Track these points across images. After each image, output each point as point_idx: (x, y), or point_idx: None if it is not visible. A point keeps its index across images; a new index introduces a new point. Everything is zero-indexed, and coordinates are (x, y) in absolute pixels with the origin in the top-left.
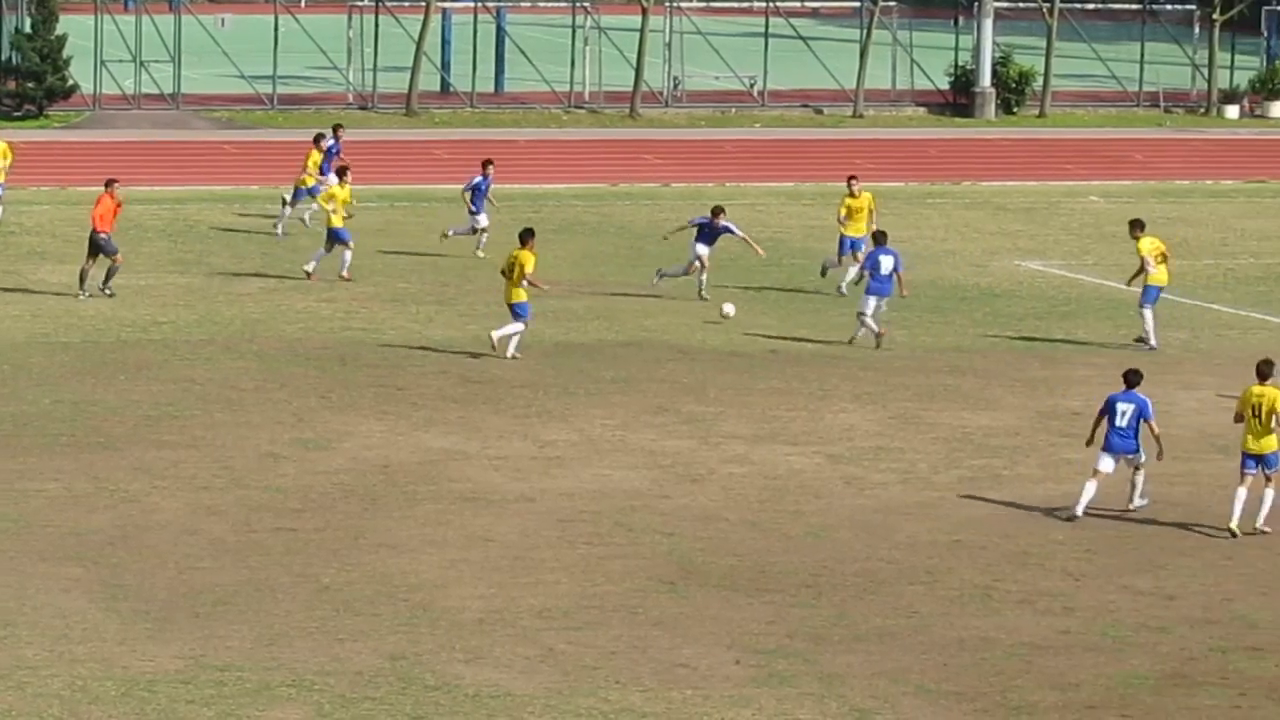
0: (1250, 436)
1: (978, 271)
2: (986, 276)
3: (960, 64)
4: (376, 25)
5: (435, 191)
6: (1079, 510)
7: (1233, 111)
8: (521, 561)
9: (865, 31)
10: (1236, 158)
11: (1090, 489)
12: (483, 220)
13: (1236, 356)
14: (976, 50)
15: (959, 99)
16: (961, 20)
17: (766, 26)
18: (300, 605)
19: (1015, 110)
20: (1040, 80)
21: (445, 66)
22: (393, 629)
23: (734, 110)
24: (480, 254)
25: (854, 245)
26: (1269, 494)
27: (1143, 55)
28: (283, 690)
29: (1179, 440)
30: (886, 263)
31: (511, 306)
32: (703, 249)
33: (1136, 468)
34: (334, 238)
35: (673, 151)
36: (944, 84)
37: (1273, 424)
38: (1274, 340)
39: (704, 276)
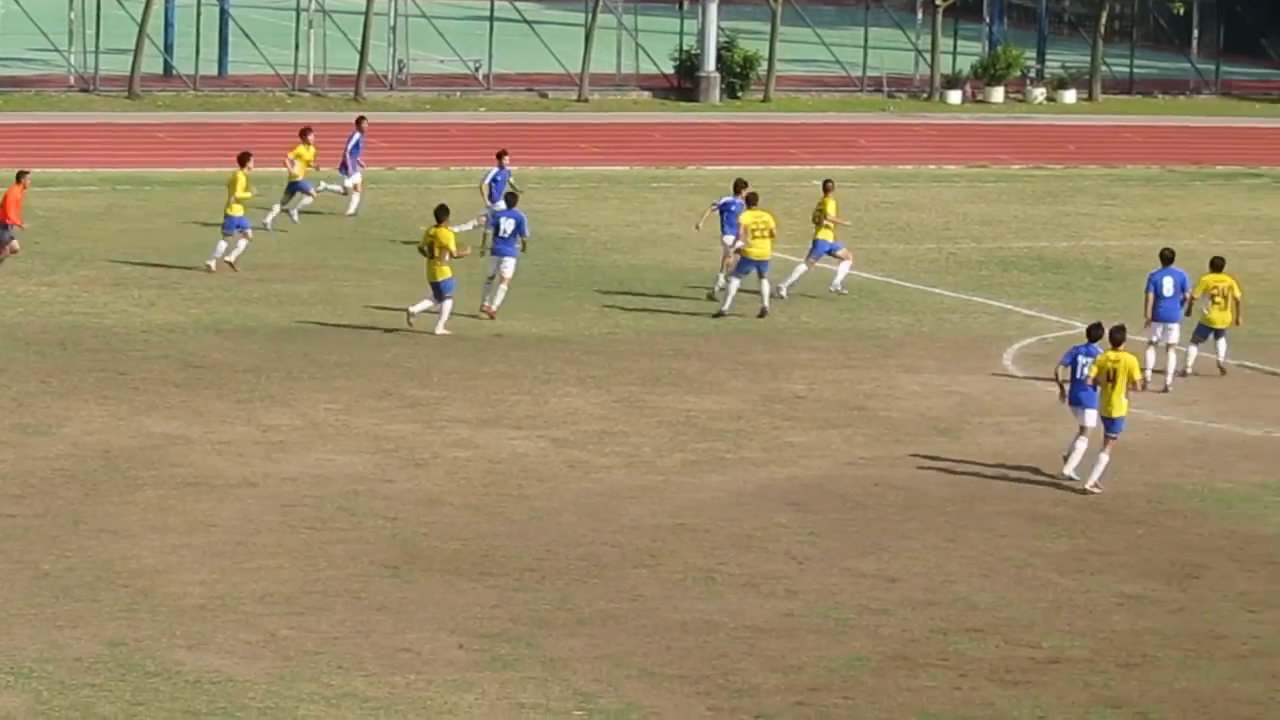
0: (1102, 399)
1: (702, 256)
2: (711, 261)
3: (685, 48)
4: (99, 7)
5: (157, 175)
6: (1070, 470)
7: (955, 97)
8: (244, 547)
9: (590, 16)
10: (959, 143)
11: (1080, 446)
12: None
13: (958, 340)
14: (701, 35)
15: (684, 83)
16: (686, 5)
17: (492, 10)
18: (19, 592)
19: (740, 95)
20: (765, 65)
21: (168, 49)
22: (113, 615)
23: (459, 94)
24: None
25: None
26: (1103, 457)
27: (866, 41)
28: (0, 678)
29: (901, 423)
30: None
31: (435, 284)
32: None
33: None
34: (231, 224)
35: (398, 135)
36: (669, 68)
37: (1124, 388)
38: (995, 324)
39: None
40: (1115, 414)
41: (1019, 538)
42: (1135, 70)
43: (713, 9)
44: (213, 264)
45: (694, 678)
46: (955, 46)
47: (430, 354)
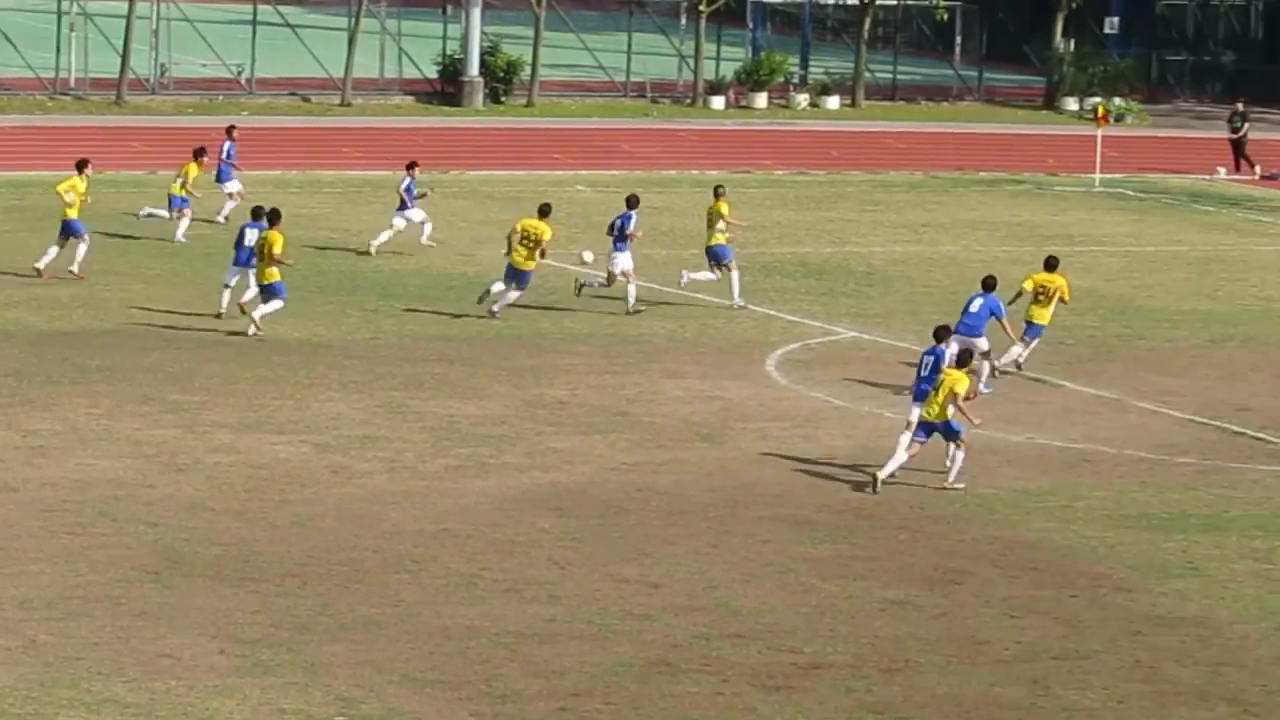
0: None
1: (465, 261)
2: (474, 265)
3: (449, 53)
4: None
5: None
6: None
7: (718, 102)
8: (3, 552)
9: (353, 20)
10: (722, 148)
11: (905, 439)
12: (415, 215)
13: (721, 346)
14: (465, 39)
15: (447, 88)
16: (450, 9)
17: (254, 14)
18: None
19: (503, 100)
20: (528, 70)
21: None
22: None
23: (221, 98)
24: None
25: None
26: (959, 454)
27: (630, 46)
28: None
29: (664, 429)
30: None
31: (264, 287)
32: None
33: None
34: (67, 230)
35: (159, 139)
36: (432, 73)
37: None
38: (758, 330)
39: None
40: (935, 419)
41: (782, 543)
42: (898, 76)
43: (476, 14)
44: (42, 265)
45: (456, 683)
46: (719, 52)
47: (191, 359)
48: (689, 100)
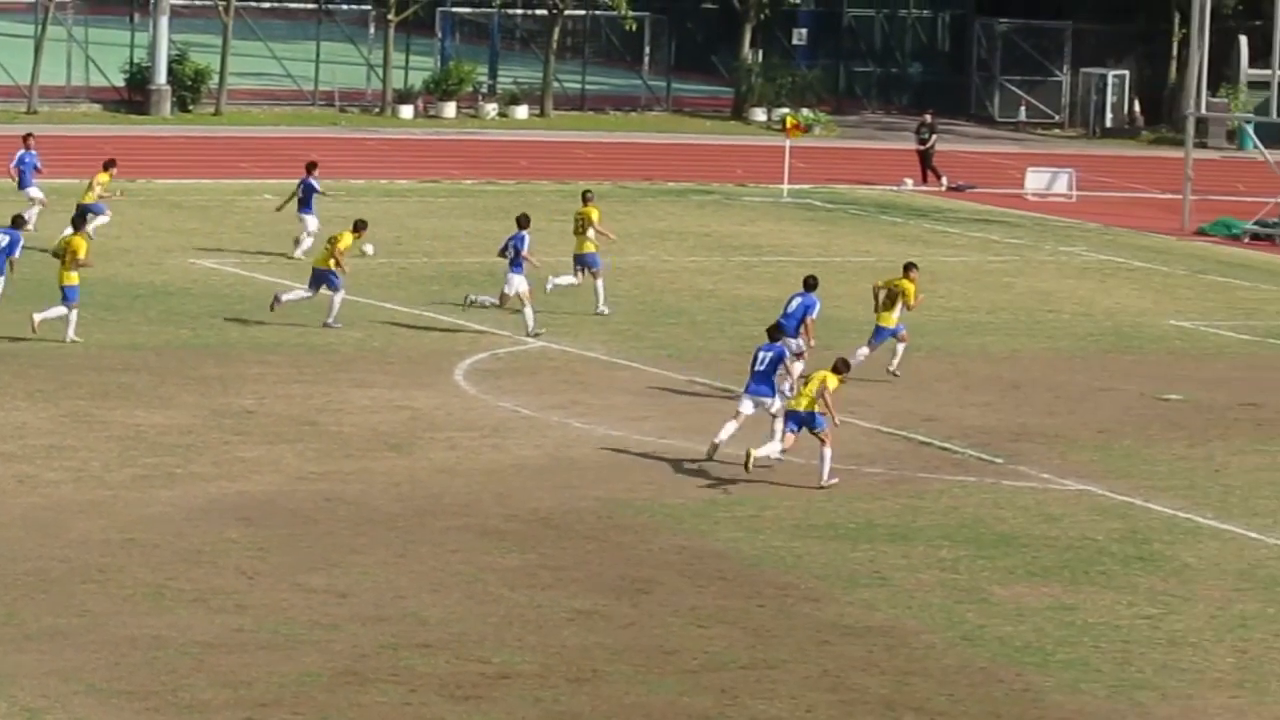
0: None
1: (153, 269)
2: (162, 274)
3: (136, 61)
4: None
5: None
6: (721, 439)
7: (407, 111)
8: None
9: (40, 27)
10: (411, 157)
11: (730, 426)
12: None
13: (410, 355)
14: (152, 47)
15: (135, 96)
16: (137, 17)
17: None
18: None
19: (191, 108)
20: (216, 78)
21: None
22: None
23: None
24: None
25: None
26: (825, 452)
27: (318, 55)
28: None
29: (352, 438)
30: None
31: (63, 289)
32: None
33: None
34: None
35: None
36: (120, 81)
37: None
38: (447, 340)
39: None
40: (804, 409)
41: (469, 553)
42: (587, 86)
43: (164, 21)
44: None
45: (142, 694)
46: (407, 61)
47: None
48: (378, 109)
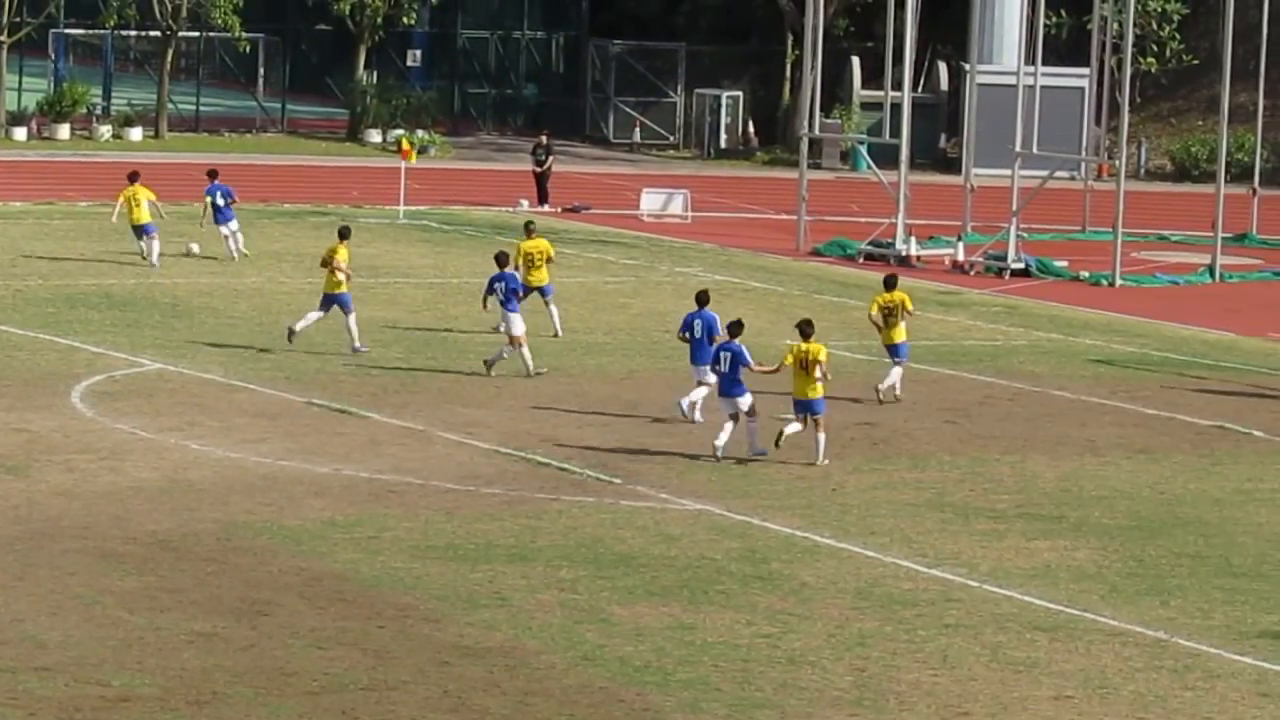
0: (799, 385)
1: None
2: None
3: None
4: None
5: None
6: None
7: (21, 133)
8: None
9: None
10: (25, 179)
11: (727, 428)
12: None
13: (26, 377)
14: None
15: None
16: None
17: None
18: None
19: None
20: None
21: None
22: None
23: None
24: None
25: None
26: (821, 437)
27: None
28: None
29: None
30: None
31: None
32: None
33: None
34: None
35: None
36: None
37: (817, 374)
38: (63, 361)
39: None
40: (813, 396)
41: (88, 575)
42: (202, 108)
43: None
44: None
45: None
46: (20, 82)
47: None
48: None
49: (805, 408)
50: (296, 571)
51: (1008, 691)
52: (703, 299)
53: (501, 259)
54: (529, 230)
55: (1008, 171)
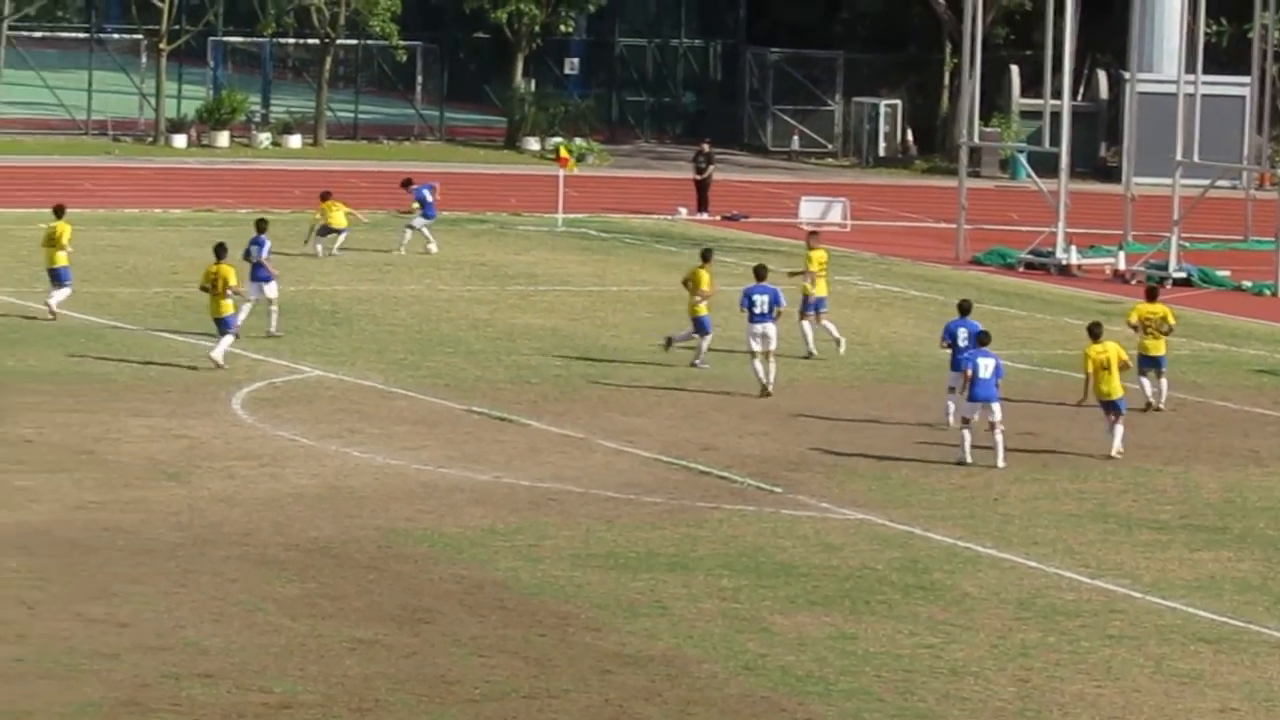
0: (1106, 386)
1: None
2: None
3: None
4: None
5: None
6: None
7: (180, 141)
8: None
9: None
10: (184, 186)
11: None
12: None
13: (187, 384)
14: None
15: None
16: None
17: None
18: None
19: None
20: None
21: None
22: None
23: None
24: None
25: None
26: (1119, 429)
27: (91, 84)
28: None
29: (130, 468)
30: None
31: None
32: None
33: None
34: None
35: None
36: None
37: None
38: (223, 369)
39: None
40: (1117, 395)
41: (249, 582)
42: (360, 115)
43: None
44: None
45: None
46: (180, 90)
47: None
48: (151, 138)
49: (1112, 407)
50: (457, 579)
51: (1172, 704)
52: (965, 307)
53: (760, 271)
54: (812, 239)
55: (1168, 180)
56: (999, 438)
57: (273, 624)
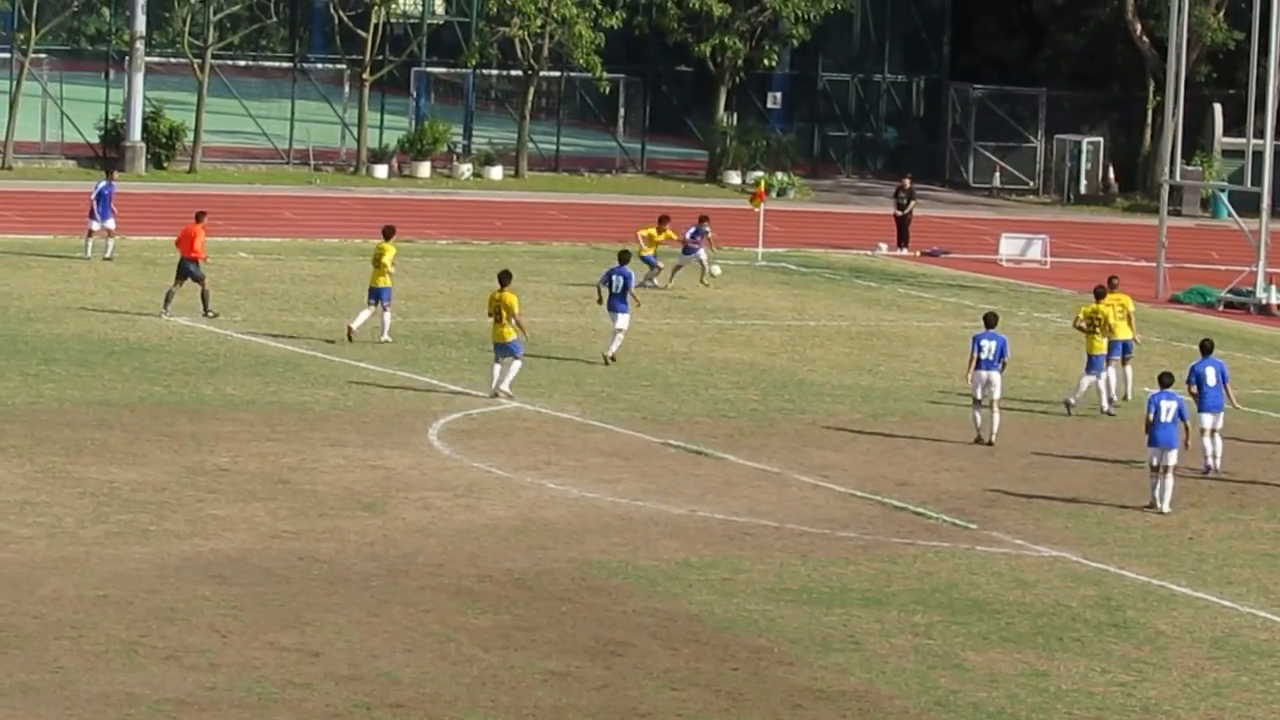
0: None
1: (127, 325)
2: (136, 331)
3: (111, 117)
4: None
5: None
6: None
7: (381, 171)
8: None
9: (14, 83)
10: (386, 217)
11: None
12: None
13: (384, 415)
14: (127, 104)
15: (109, 153)
16: (112, 74)
17: None
18: None
19: (166, 165)
20: (191, 135)
21: None
22: None
23: None
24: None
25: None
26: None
27: (293, 113)
28: None
29: (325, 497)
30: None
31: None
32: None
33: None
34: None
35: None
36: (94, 137)
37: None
38: (420, 399)
39: None
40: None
41: (442, 613)
42: (561, 147)
43: (139, 79)
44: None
45: None
46: (382, 120)
47: None
48: (352, 168)
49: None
50: (650, 612)
51: None
52: (1208, 346)
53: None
54: (1108, 286)
55: None
56: (1169, 481)
57: (465, 655)
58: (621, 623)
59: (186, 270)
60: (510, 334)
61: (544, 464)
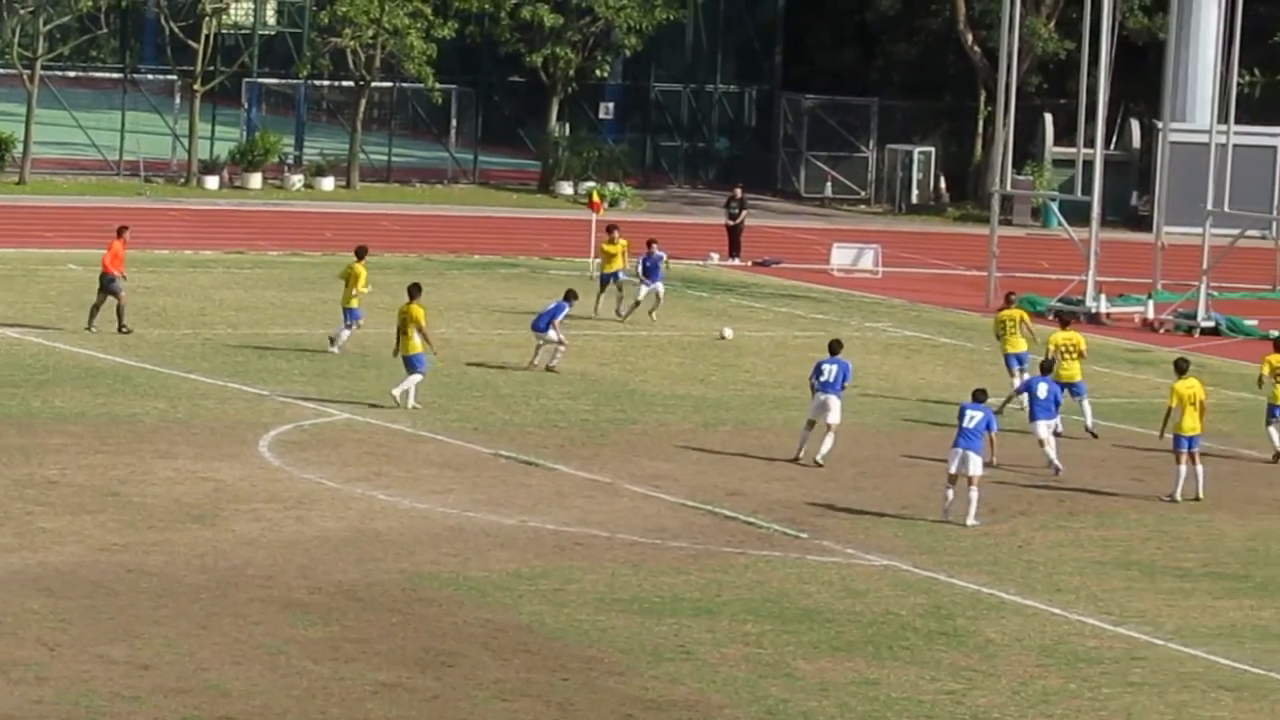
0: (1185, 422)
1: None
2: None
3: None
4: None
5: None
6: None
7: (213, 182)
8: None
9: None
10: (217, 228)
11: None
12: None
13: (214, 426)
14: None
15: None
16: None
17: None
18: None
19: None
20: (20, 147)
21: None
22: None
23: None
24: None
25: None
26: (1199, 470)
27: (124, 124)
28: None
29: (155, 509)
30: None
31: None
32: None
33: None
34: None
35: None
36: None
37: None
38: (251, 410)
39: None
40: (1193, 434)
41: (272, 625)
42: (393, 158)
43: None
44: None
45: None
46: (213, 131)
47: None
48: (183, 179)
49: (1187, 444)
50: (482, 623)
51: None
52: (1047, 367)
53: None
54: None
55: (1199, 230)
56: (974, 494)
57: (295, 667)
58: (452, 634)
59: (105, 285)
60: (417, 347)
61: (375, 475)
